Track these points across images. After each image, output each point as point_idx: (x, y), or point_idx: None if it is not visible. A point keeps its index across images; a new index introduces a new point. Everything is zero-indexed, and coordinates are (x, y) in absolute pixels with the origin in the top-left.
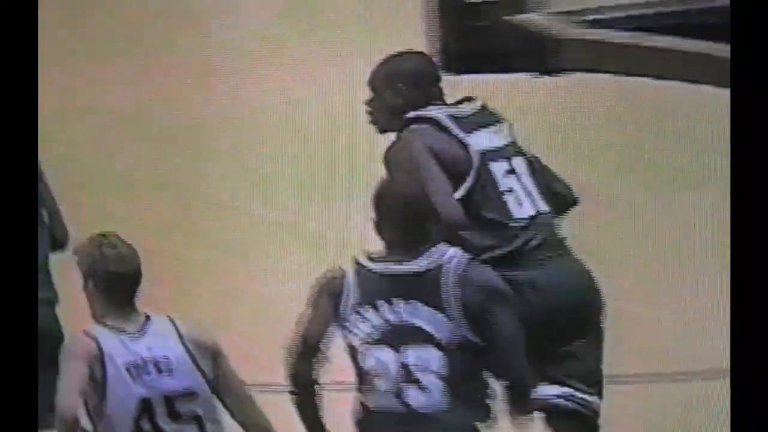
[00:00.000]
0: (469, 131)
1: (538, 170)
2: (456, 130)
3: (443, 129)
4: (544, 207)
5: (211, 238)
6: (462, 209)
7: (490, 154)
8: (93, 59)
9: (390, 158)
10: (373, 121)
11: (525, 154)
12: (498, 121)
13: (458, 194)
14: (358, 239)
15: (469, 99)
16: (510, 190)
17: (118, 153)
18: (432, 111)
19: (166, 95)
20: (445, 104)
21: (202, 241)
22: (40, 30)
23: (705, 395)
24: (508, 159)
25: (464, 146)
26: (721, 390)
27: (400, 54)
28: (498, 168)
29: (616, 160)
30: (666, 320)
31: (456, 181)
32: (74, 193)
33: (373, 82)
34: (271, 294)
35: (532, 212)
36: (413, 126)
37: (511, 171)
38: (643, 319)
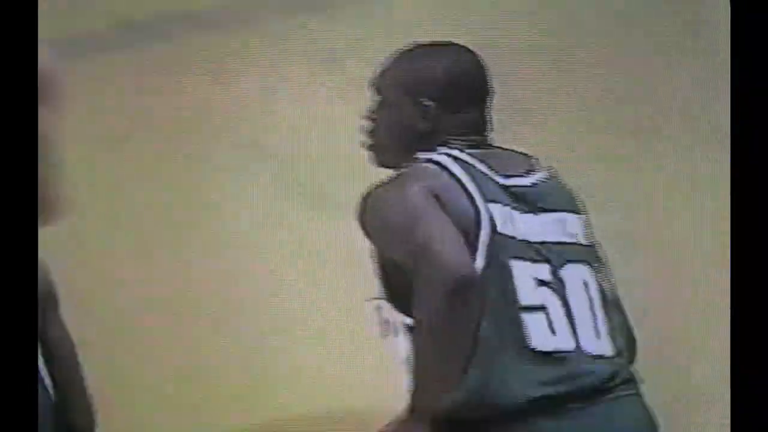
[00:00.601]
0: (509, 209)
1: (611, 302)
2: (477, 197)
3: (461, 188)
4: (590, 347)
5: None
6: (472, 264)
7: (515, 243)
8: (93, 59)
9: (369, 215)
10: (372, 145)
11: (604, 277)
12: (568, 210)
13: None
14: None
15: (529, 164)
16: (541, 308)
17: (116, 154)
18: (450, 163)
19: (167, 96)
20: (483, 146)
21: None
22: (40, 29)
23: (705, 395)
24: (553, 265)
25: (477, 213)
26: (721, 390)
27: (433, 46)
28: (522, 269)
29: (613, 159)
30: (666, 320)
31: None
32: (73, 195)
33: (383, 85)
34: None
35: (570, 347)
36: (414, 165)
37: (548, 282)
38: (642, 319)
